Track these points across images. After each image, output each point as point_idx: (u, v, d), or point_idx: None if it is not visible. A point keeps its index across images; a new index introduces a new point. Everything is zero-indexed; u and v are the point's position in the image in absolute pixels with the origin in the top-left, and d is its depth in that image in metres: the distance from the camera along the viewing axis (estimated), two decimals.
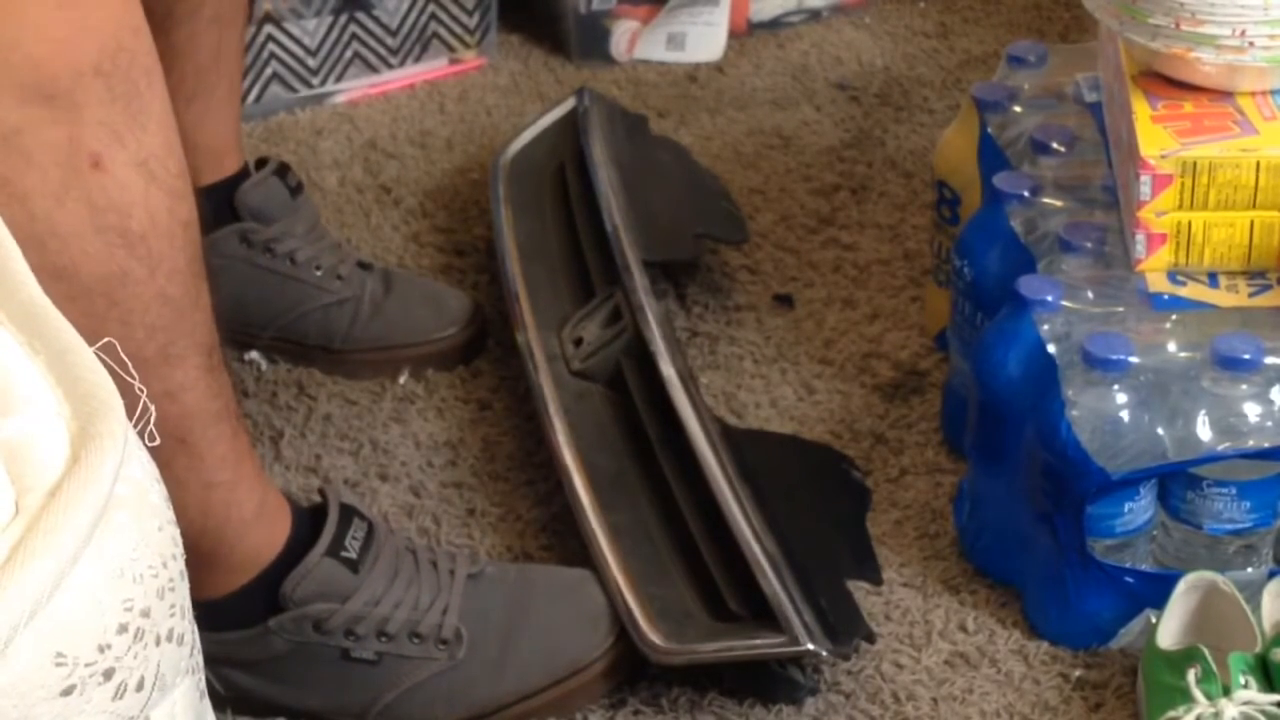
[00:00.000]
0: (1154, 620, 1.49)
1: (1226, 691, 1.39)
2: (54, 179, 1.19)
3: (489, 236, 1.99)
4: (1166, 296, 1.54)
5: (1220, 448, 1.47)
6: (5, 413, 0.83)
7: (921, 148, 2.13)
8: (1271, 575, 1.52)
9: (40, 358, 0.86)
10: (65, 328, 0.87)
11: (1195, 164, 1.51)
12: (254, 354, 1.85)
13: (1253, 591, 1.50)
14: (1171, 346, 1.50)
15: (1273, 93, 1.56)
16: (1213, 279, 1.55)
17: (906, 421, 1.77)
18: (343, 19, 2.22)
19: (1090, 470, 1.47)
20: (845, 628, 1.49)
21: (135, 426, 0.86)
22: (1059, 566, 1.52)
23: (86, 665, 0.80)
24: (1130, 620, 1.53)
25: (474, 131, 2.18)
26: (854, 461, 1.72)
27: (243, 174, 1.81)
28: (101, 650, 0.80)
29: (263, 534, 1.43)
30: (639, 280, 1.76)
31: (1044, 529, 1.52)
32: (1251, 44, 1.51)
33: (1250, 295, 1.54)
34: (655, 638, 1.48)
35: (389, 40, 2.25)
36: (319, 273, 1.82)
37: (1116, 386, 1.48)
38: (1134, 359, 1.48)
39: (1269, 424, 1.47)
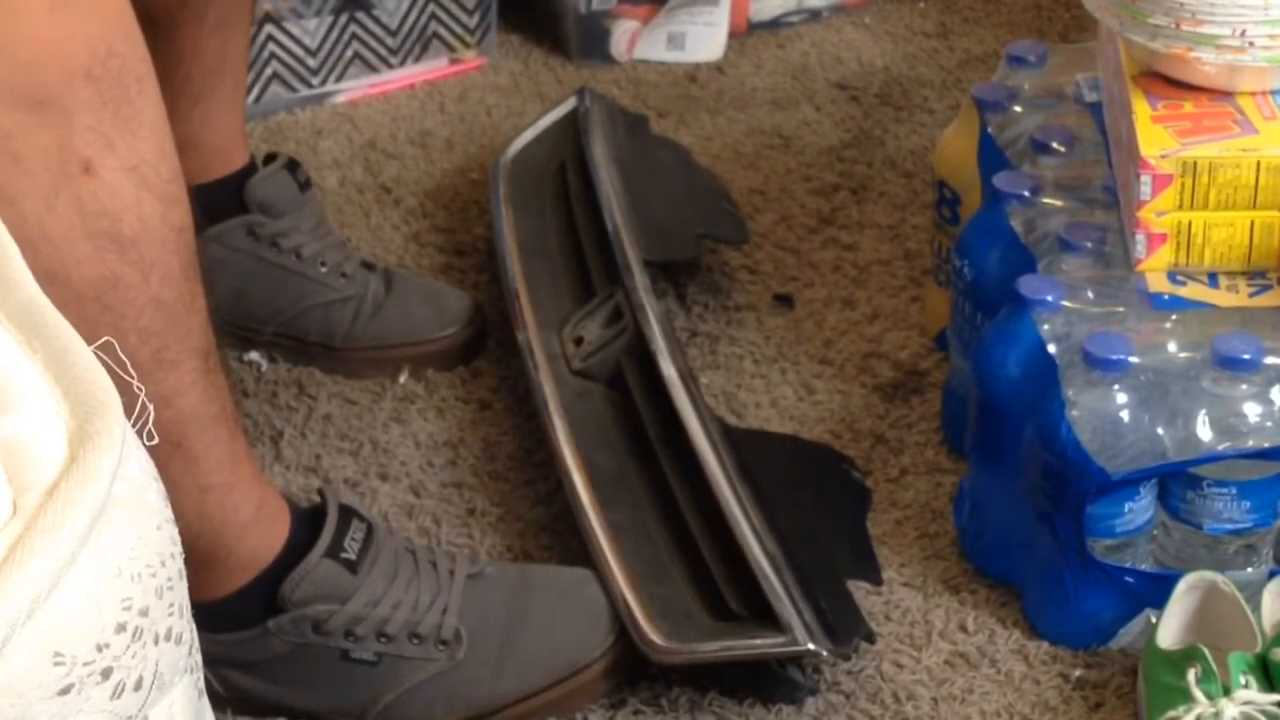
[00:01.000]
0: (1154, 620, 1.49)
1: (1226, 691, 1.39)
2: (44, 184, 1.19)
3: (489, 236, 1.99)
4: (1166, 296, 1.53)
5: (1220, 448, 1.47)
6: (3, 411, 0.83)
7: (921, 148, 2.13)
8: (1271, 575, 1.52)
9: (38, 357, 0.86)
10: (64, 327, 0.87)
11: (1195, 164, 1.51)
12: (254, 354, 1.85)
13: (1253, 591, 1.50)
14: (1171, 346, 1.50)
15: (1273, 93, 1.56)
16: (1213, 279, 1.55)
17: (906, 421, 1.77)
18: (343, 19, 2.22)
19: (1090, 470, 1.47)
20: (845, 628, 1.49)
21: (134, 426, 0.86)
22: (1059, 566, 1.52)
23: (84, 664, 0.80)
24: (1130, 620, 1.53)
25: (474, 131, 2.18)
26: (854, 461, 1.72)
27: (250, 168, 1.81)
28: (99, 649, 0.80)
29: (261, 536, 1.43)
30: (640, 280, 1.76)
31: (1044, 529, 1.52)
32: (1251, 44, 1.51)
33: (1250, 295, 1.54)
34: (655, 637, 1.48)
35: (389, 40, 2.25)
36: (323, 269, 1.82)
37: (1116, 386, 1.48)
38: (1134, 359, 1.48)
39: (1269, 424, 1.47)
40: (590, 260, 1.85)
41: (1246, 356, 1.46)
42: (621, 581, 1.52)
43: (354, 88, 2.25)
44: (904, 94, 2.23)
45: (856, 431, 1.76)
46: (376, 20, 2.24)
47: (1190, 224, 1.54)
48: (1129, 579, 1.52)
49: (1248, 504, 1.50)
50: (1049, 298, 1.53)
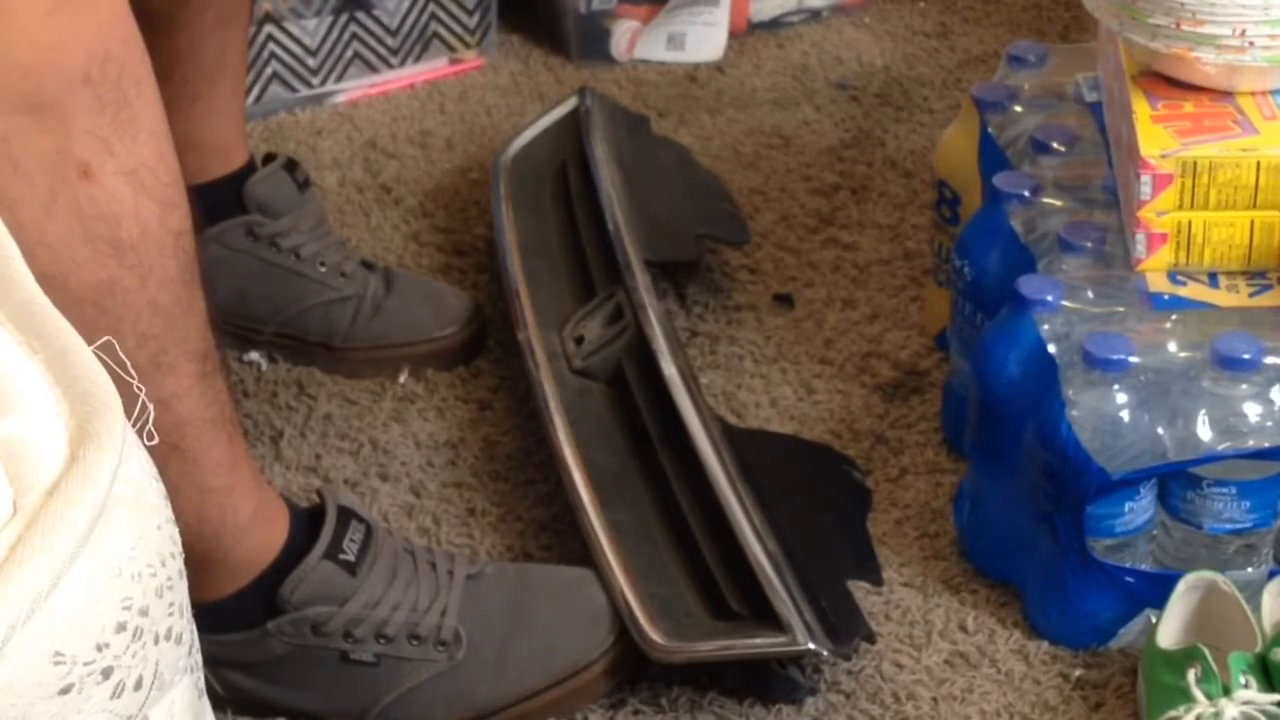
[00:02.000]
0: (1154, 620, 1.49)
1: (1226, 691, 1.39)
2: (42, 188, 1.19)
3: (489, 236, 1.99)
4: (1166, 296, 1.53)
5: (1220, 448, 1.47)
6: (4, 412, 0.83)
7: (921, 148, 2.13)
8: (1271, 575, 1.52)
9: (39, 357, 0.86)
10: (64, 328, 0.87)
11: (1195, 164, 1.51)
12: (254, 354, 1.85)
13: (1253, 591, 1.50)
14: (1171, 346, 1.50)
15: (1273, 93, 1.56)
16: (1213, 279, 1.55)
17: (906, 421, 1.77)
18: (343, 19, 2.22)
19: (1090, 470, 1.47)
20: (845, 628, 1.49)
21: (134, 426, 0.86)
22: (1059, 566, 1.52)
23: (85, 664, 0.80)
24: (1130, 620, 1.53)
25: (474, 131, 2.18)
26: (854, 461, 1.72)
27: (249, 167, 1.81)
28: (100, 649, 0.80)
29: (260, 537, 1.43)
30: (640, 279, 1.76)
31: (1044, 529, 1.52)
32: (1251, 44, 1.51)
33: (1250, 295, 1.54)
34: (656, 636, 1.48)
35: (389, 40, 2.25)
36: (323, 269, 1.82)
37: (1116, 386, 1.48)
38: (1134, 359, 1.48)
39: (1269, 424, 1.47)
40: (591, 260, 1.85)
41: (1246, 356, 1.46)
42: (622, 581, 1.52)
43: (354, 88, 2.25)
44: (904, 94, 2.23)
45: (856, 431, 1.76)
46: (376, 20, 2.24)
47: (1190, 224, 1.54)
48: (1129, 579, 1.52)
49: (1248, 504, 1.50)
50: (1049, 298, 1.53)
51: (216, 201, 1.77)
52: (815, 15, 2.38)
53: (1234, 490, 1.49)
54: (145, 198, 1.24)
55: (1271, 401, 1.47)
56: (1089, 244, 1.57)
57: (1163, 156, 1.51)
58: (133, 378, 0.86)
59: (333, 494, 1.50)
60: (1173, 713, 1.40)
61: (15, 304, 0.88)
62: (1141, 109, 1.55)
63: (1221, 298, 1.53)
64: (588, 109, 1.98)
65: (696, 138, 2.16)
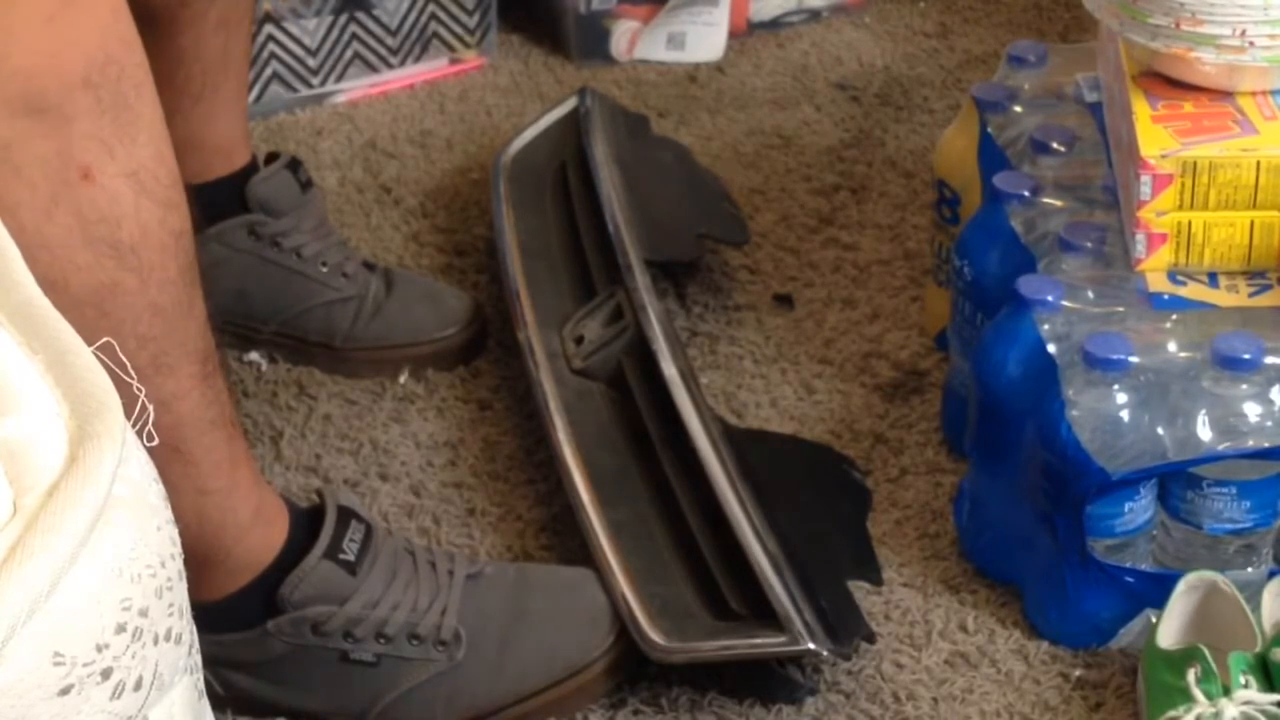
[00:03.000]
0: (1154, 620, 1.49)
1: (1226, 691, 1.39)
2: (43, 191, 1.19)
3: (489, 236, 1.99)
4: (1166, 296, 1.53)
5: (1220, 448, 1.47)
6: (4, 413, 0.83)
7: (921, 148, 2.13)
8: (1271, 575, 1.52)
9: (39, 358, 0.86)
10: (64, 328, 0.87)
11: (1195, 164, 1.51)
12: (254, 354, 1.85)
13: (1253, 591, 1.50)
14: (1171, 346, 1.50)
15: (1273, 93, 1.56)
16: (1213, 279, 1.55)
17: (906, 421, 1.77)
18: (343, 19, 2.22)
19: (1090, 470, 1.47)
20: (845, 628, 1.49)
21: (134, 427, 0.86)
22: (1059, 566, 1.52)
23: (84, 664, 0.80)
24: (1130, 620, 1.53)
25: (474, 131, 2.18)
26: (854, 461, 1.72)
27: (252, 167, 1.81)
28: (99, 649, 0.80)
29: (259, 538, 1.43)
30: (641, 279, 1.76)
31: (1044, 529, 1.52)
32: (1251, 44, 1.51)
33: (1250, 295, 1.54)
34: (656, 636, 1.48)
35: (389, 40, 2.25)
36: (324, 269, 1.82)
37: (1116, 386, 1.48)
38: (1134, 359, 1.48)
39: (1269, 424, 1.47)
40: (591, 260, 1.85)
41: (1246, 356, 1.46)
42: (622, 580, 1.52)
43: (354, 88, 2.25)
44: (904, 94, 2.23)
45: (856, 431, 1.76)
46: (376, 20, 2.24)
47: (1190, 224, 1.53)
48: (1129, 579, 1.52)
49: (1248, 504, 1.50)
50: (1049, 298, 1.53)
51: (218, 201, 1.78)
52: (815, 15, 2.38)
53: (1234, 490, 1.49)
54: (146, 199, 1.24)
55: (1271, 401, 1.47)
56: (1089, 244, 1.57)
57: (1163, 156, 1.51)
58: (133, 379, 0.86)
59: (332, 494, 1.50)
60: (1173, 713, 1.40)
61: (15, 305, 0.88)
62: (1141, 109, 1.55)
63: (1221, 298, 1.53)
64: (588, 109, 1.98)
65: (696, 138, 2.16)
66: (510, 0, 2.34)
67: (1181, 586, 1.48)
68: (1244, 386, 1.47)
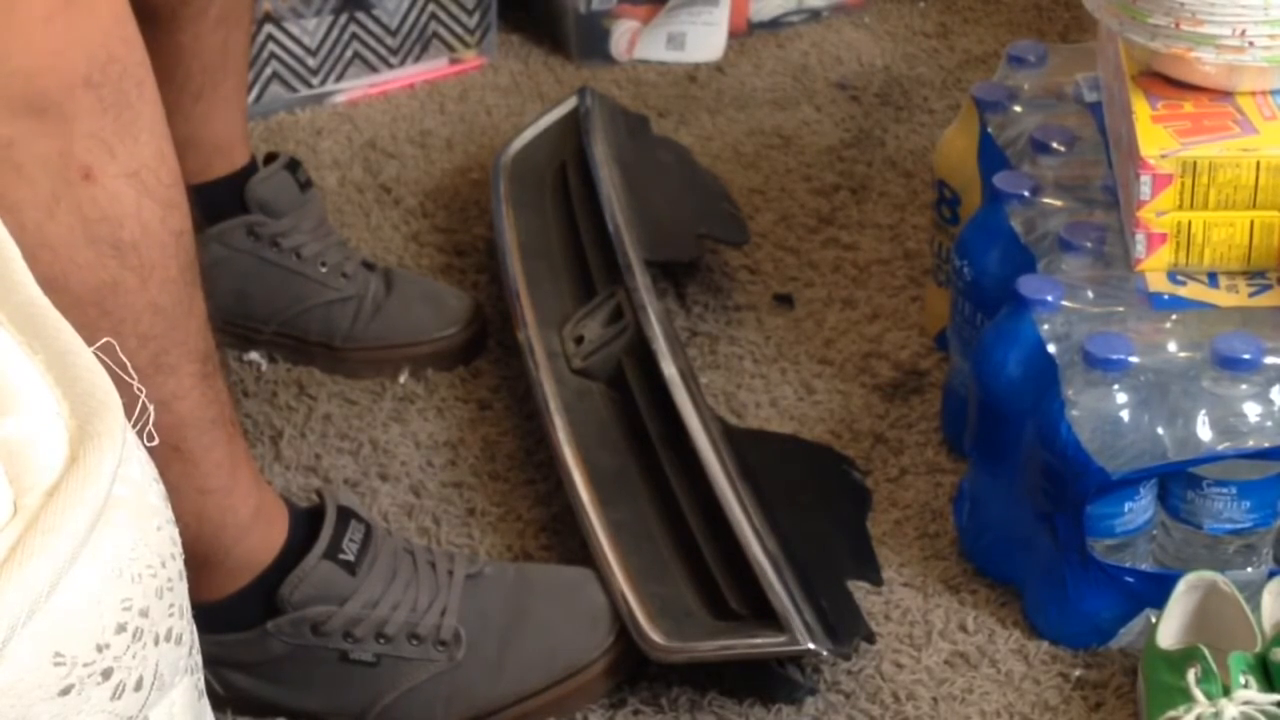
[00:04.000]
0: (1154, 620, 1.49)
1: (1226, 691, 1.39)
2: (45, 191, 1.19)
3: (489, 236, 1.99)
4: (1166, 296, 1.53)
5: (1220, 448, 1.47)
6: (4, 412, 0.83)
7: (921, 148, 2.13)
8: (1271, 575, 1.52)
9: (39, 358, 0.86)
10: (64, 328, 0.87)
11: (1195, 164, 1.51)
12: (254, 354, 1.85)
13: (1253, 591, 1.50)
14: (1171, 346, 1.50)
15: (1273, 93, 1.56)
16: (1213, 279, 1.55)
17: (906, 421, 1.77)
18: (343, 19, 2.22)
19: (1090, 470, 1.47)
20: (845, 627, 1.49)
21: (134, 427, 0.86)
22: (1059, 566, 1.52)
23: (85, 665, 0.80)
24: (1130, 620, 1.53)
25: (474, 131, 2.18)
26: (854, 461, 1.72)
27: (251, 167, 1.81)
28: (100, 650, 0.80)
29: (259, 538, 1.43)
30: (641, 279, 1.76)
31: (1044, 529, 1.52)
32: (1251, 44, 1.51)
33: (1250, 295, 1.54)
34: (655, 636, 1.48)
35: (389, 40, 2.25)
36: (324, 269, 1.82)
37: (1116, 386, 1.48)
38: (1134, 359, 1.48)
39: (1269, 424, 1.47)
40: (591, 260, 1.85)
41: (1246, 356, 1.46)
42: (622, 580, 1.52)
43: (354, 88, 2.25)
44: (904, 94, 2.23)
45: (856, 431, 1.76)
46: (376, 20, 2.24)
47: (1190, 224, 1.54)
48: (1129, 579, 1.52)
49: (1248, 504, 1.50)
50: (1049, 298, 1.53)
51: (218, 201, 1.77)
52: (815, 15, 2.38)
53: (1234, 490, 1.49)
54: (147, 199, 1.24)
55: (1271, 401, 1.47)
56: (1089, 244, 1.57)
57: (1163, 156, 1.51)
58: (133, 378, 0.86)
59: (332, 494, 1.50)
60: (1173, 713, 1.40)
61: (15, 305, 0.88)
62: (1141, 109, 1.55)
63: (1221, 298, 1.53)
64: (588, 109, 1.98)
65: (696, 138, 2.16)
66: (510, 0, 2.34)
67: (1181, 586, 1.48)
68: (1244, 386, 1.47)
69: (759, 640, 1.48)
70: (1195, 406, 1.47)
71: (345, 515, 1.47)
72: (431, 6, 2.26)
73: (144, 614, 0.82)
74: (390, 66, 2.26)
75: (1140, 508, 1.52)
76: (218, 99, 1.75)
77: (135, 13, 1.22)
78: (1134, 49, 1.57)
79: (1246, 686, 1.40)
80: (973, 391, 1.59)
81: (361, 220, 2.04)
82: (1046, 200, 1.64)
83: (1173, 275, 1.55)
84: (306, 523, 1.46)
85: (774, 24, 2.37)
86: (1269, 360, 1.47)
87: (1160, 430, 1.48)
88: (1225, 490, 1.49)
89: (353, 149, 2.15)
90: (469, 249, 2.00)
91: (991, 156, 1.72)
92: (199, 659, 0.91)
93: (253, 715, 1.49)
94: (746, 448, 1.63)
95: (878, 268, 1.96)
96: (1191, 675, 1.40)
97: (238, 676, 1.47)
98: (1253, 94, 1.56)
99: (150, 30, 1.25)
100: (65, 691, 0.79)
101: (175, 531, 0.87)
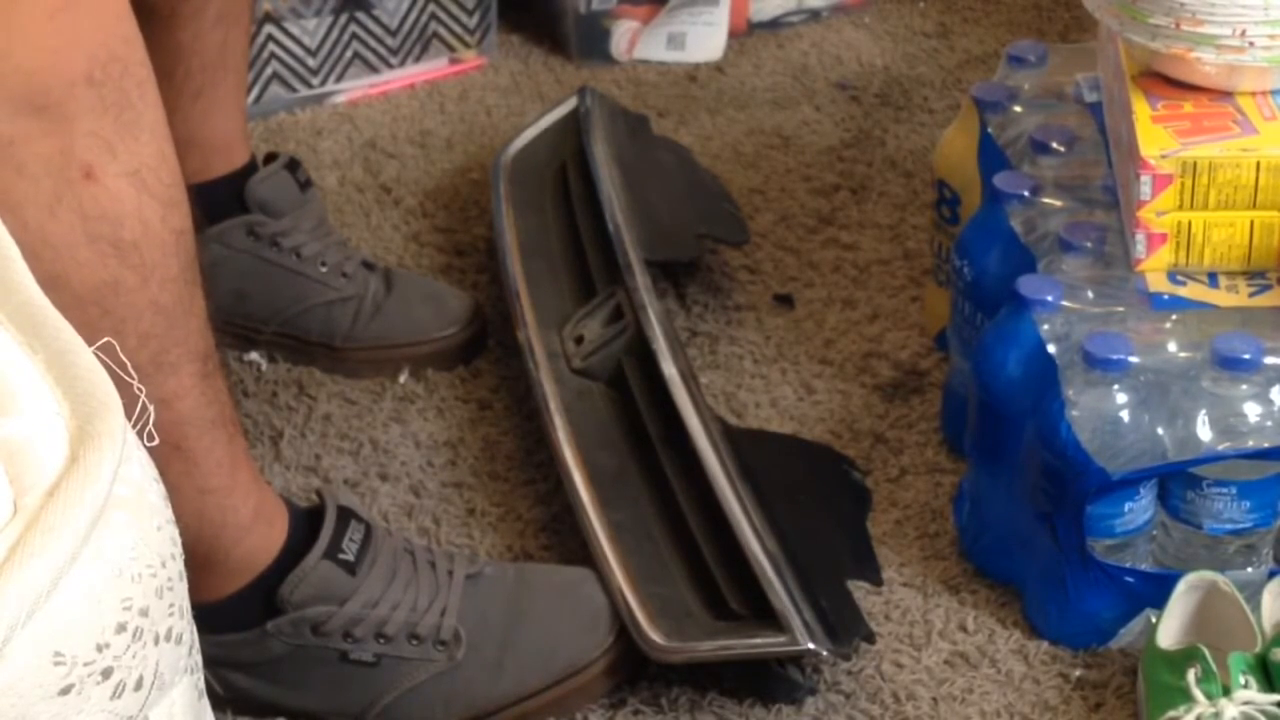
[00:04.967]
0: (1154, 620, 1.49)
1: (1226, 691, 1.39)
2: (46, 190, 1.19)
3: (489, 236, 1.99)
4: (1166, 296, 1.54)
5: (1220, 448, 1.47)
6: (4, 412, 0.83)
7: (921, 148, 2.13)
8: (1271, 575, 1.52)
9: (39, 357, 0.86)
10: (64, 328, 0.87)
11: (1195, 164, 1.51)
12: (254, 354, 1.85)
13: (1253, 591, 1.50)
14: (1171, 346, 1.50)
15: (1273, 93, 1.56)
16: (1213, 279, 1.55)
17: (906, 421, 1.77)
18: (343, 19, 2.22)
19: (1090, 470, 1.47)
20: (845, 627, 1.49)
21: (134, 426, 0.86)
22: (1059, 566, 1.52)
23: (85, 664, 0.80)
24: (1130, 620, 1.53)
25: (474, 131, 2.18)
26: (854, 461, 1.72)
27: (250, 167, 1.81)
28: (100, 649, 0.80)
29: (259, 538, 1.43)
30: (641, 279, 1.76)
31: (1044, 529, 1.52)
32: (1251, 44, 1.51)
33: (1250, 295, 1.54)
34: (655, 636, 1.48)
35: (389, 40, 2.25)
36: (324, 269, 1.82)
37: (1116, 386, 1.48)
38: (1134, 359, 1.48)
39: (1269, 424, 1.47)
40: (591, 260, 1.85)
41: (1246, 356, 1.46)
42: (621, 580, 1.52)
43: (354, 88, 2.25)
44: (904, 94, 2.23)
45: (856, 431, 1.76)
46: (376, 20, 2.24)
47: (1190, 224, 1.54)
48: (1129, 579, 1.52)
49: (1248, 504, 1.50)
50: (1049, 298, 1.53)
51: (218, 200, 1.78)
52: (815, 15, 2.38)
53: (1234, 490, 1.49)
54: (148, 198, 1.24)
55: (1271, 401, 1.47)
56: (1089, 244, 1.57)
57: (1163, 156, 1.51)
58: (133, 378, 0.86)
59: (332, 494, 1.50)
60: (1173, 713, 1.40)
61: (15, 305, 0.88)
62: (1141, 109, 1.55)
63: (1221, 298, 1.53)
64: (588, 109, 1.98)
65: (696, 138, 2.16)
66: (510, 0, 2.34)
67: (1181, 586, 1.48)
68: (1244, 387, 1.47)
69: (759, 640, 1.48)
70: (1195, 406, 1.47)
71: (345, 515, 1.47)
72: (431, 6, 2.26)
73: (144, 614, 0.82)
74: (390, 66, 2.26)
75: (1140, 508, 1.52)
76: (217, 98, 1.75)
77: (134, 11, 1.22)
78: (1134, 49, 1.57)
79: (1246, 686, 1.40)
80: (973, 391, 1.59)
81: (361, 220, 2.04)
82: (1046, 200, 1.64)
83: (1173, 275, 1.55)
84: (306, 523, 1.46)
85: (774, 24, 2.37)
86: (1269, 360, 1.47)
87: (1160, 430, 1.48)
88: (1225, 490, 1.49)
89: (353, 149, 2.15)
90: (469, 249, 2.00)
91: (991, 156, 1.72)
92: (199, 659, 0.91)
93: (253, 715, 1.49)
94: (746, 448, 1.63)
95: (878, 268, 1.96)
96: (1191, 675, 1.40)
97: (238, 676, 1.47)
98: (1253, 94, 1.56)
99: (149, 28, 1.25)
100: (65, 691, 0.79)
101: (175, 531, 0.87)
